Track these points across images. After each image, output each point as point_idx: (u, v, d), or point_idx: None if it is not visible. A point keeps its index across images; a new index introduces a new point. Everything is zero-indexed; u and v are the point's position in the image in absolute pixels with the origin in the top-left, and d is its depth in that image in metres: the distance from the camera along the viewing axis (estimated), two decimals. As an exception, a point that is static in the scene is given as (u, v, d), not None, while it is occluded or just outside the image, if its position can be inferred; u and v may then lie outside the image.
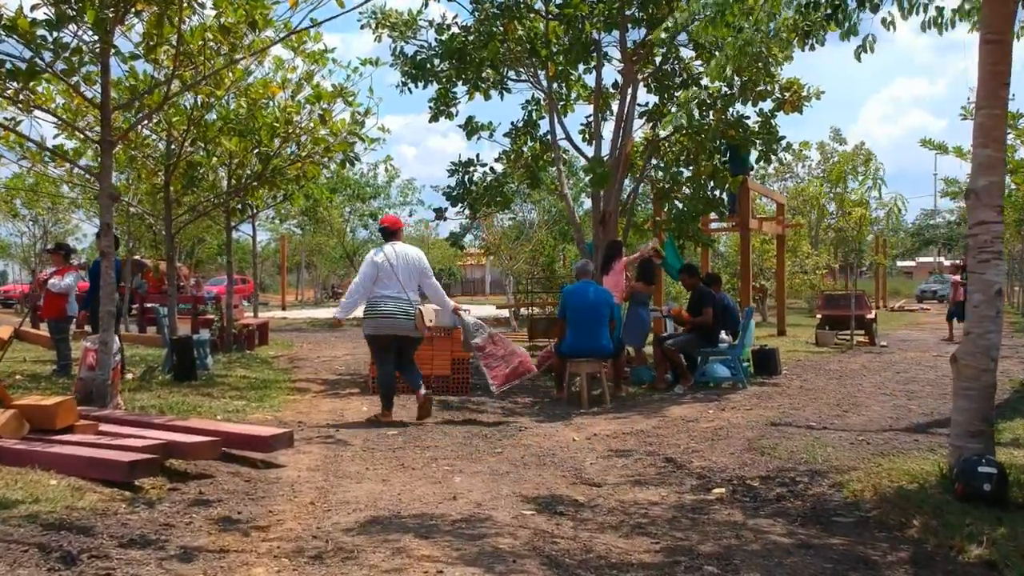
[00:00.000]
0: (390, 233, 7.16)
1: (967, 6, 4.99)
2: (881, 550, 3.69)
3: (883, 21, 5.46)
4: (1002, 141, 4.36)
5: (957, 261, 20.98)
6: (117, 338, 6.93)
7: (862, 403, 7.77)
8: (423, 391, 6.90)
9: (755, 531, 3.97)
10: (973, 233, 4.36)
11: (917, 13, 5.17)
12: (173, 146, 9.37)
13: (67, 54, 6.23)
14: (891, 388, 8.81)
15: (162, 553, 3.43)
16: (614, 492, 4.72)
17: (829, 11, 5.71)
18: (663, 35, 6.01)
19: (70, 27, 6.13)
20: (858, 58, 5.52)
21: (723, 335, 9.44)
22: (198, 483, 4.67)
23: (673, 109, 10.42)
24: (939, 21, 5.27)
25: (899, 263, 51.24)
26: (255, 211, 15.12)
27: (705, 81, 10.20)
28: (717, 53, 5.44)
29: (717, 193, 11.04)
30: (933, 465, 4.70)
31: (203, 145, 9.29)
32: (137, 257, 20.81)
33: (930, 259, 62.40)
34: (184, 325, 15.17)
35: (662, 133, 10.89)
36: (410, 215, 29.50)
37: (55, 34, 6.10)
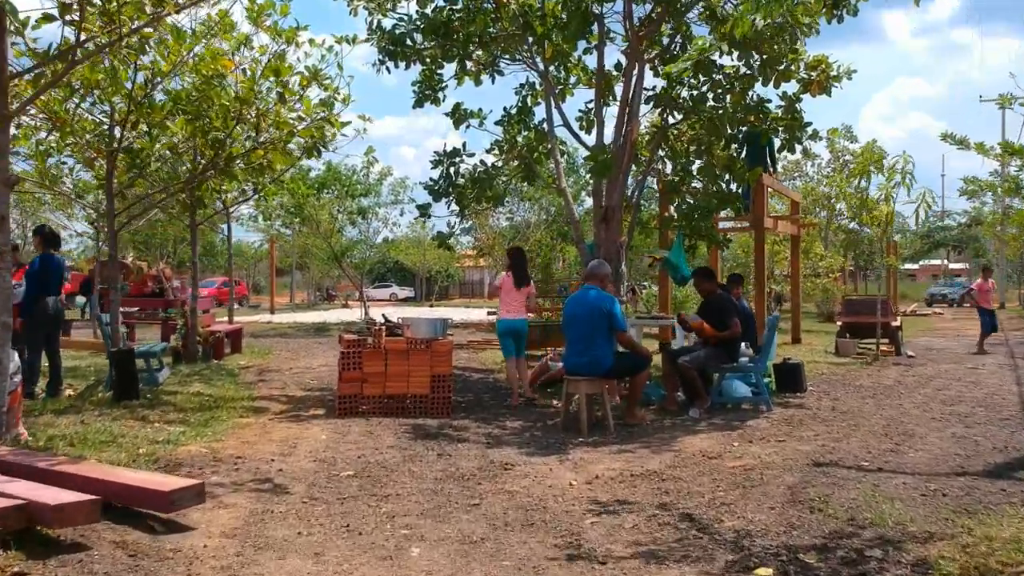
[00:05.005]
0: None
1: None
2: None
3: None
4: None
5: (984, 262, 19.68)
6: (16, 355, 5.75)
7: (913, 432, 6.56)
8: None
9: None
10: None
11: None
12: (116, 129, 8.18)
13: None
14: (938, 411, 7.60)
15: None
16: (621, 573, 3.53)
17: None
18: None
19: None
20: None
21: (743, 347, 8.25)
22: (63, 559, 3.48)
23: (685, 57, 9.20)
24: None
25: (903, 266, 49.87)
26: (226, 207, 13.92)
27: (723, 60, 8.98)
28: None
29: (733, 187, 9.84)
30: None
31: (147, 129, 8.09)
32: (122, 258, 19.64)
33: (937, 262, 60.85)
34: (155, 331, 14.06)
35: (670, 76, 9.51)
36: (401, 214, 28.30)
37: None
